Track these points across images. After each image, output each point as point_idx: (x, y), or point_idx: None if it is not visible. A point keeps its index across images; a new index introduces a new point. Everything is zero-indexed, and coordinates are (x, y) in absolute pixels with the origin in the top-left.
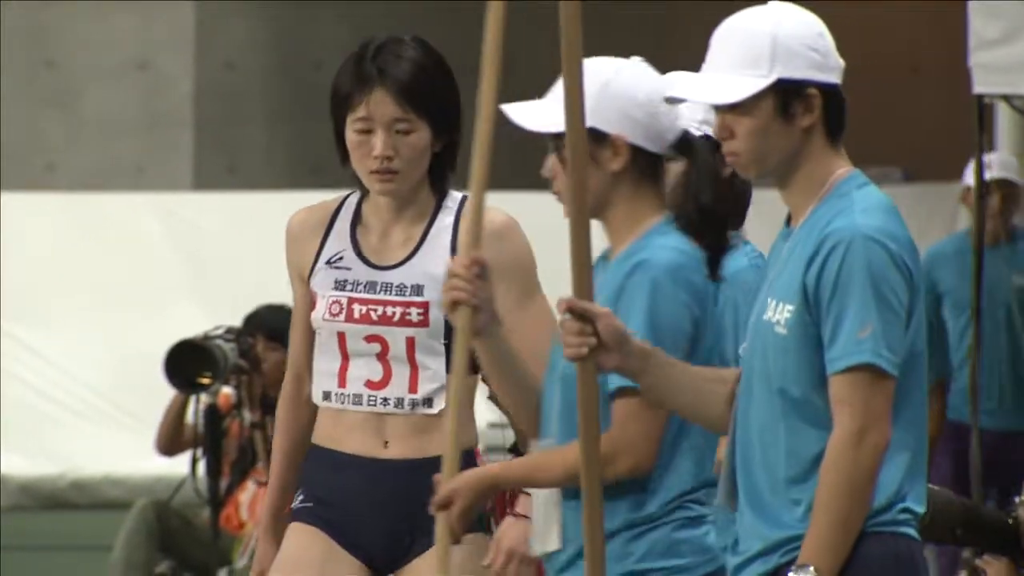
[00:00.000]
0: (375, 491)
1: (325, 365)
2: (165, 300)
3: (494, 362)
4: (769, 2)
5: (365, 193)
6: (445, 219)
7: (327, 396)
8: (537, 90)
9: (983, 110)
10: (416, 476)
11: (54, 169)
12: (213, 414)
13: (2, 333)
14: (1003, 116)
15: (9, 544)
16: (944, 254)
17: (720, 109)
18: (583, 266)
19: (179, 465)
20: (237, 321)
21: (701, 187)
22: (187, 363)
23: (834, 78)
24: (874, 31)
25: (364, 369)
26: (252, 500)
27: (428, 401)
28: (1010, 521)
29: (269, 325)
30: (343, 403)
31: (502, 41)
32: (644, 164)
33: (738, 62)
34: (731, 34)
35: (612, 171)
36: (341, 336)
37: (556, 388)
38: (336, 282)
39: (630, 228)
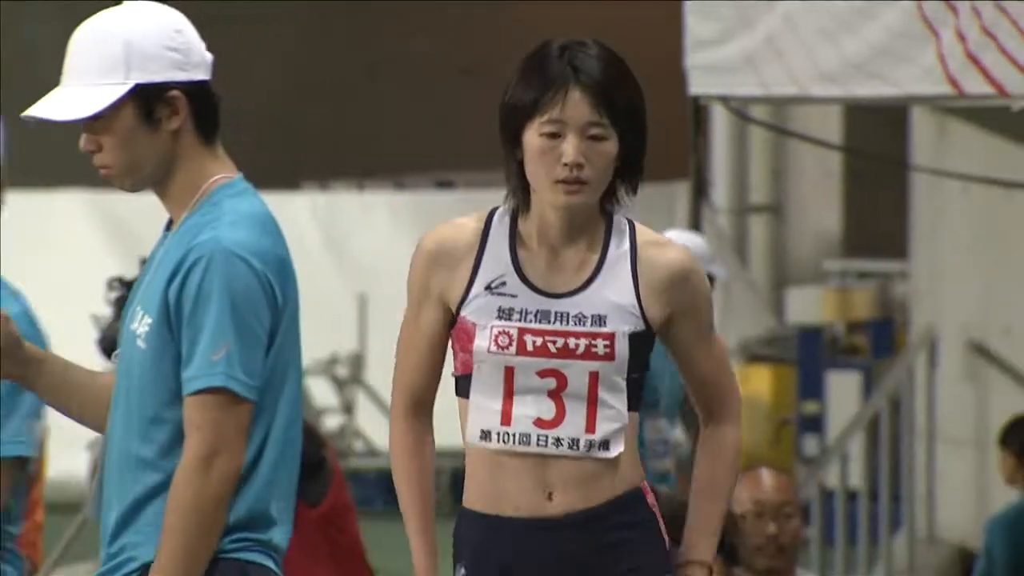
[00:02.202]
0: (543, 555)
1: (485, 402)
2: None
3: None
4: (125, 2)
5: (520, 210)
6: (621, 244)
7: (486, 435)
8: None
9: (699, 111)
10: (584, 531)
11: None
12: None
13: None
14: (719, 117)
15: None
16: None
17: (83, 124)
18: None
19: None
20: None
21: None
22: None
23: (199, 75)
24: (596, 32)
25: (532, 407)
26: None
27: (605, 444)
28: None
29: None
30: (507, 443)
31: None
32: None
33: (94, 71)
34: (84, 42)
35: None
36: (509, 371)
37: None
38: (500, 310)
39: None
